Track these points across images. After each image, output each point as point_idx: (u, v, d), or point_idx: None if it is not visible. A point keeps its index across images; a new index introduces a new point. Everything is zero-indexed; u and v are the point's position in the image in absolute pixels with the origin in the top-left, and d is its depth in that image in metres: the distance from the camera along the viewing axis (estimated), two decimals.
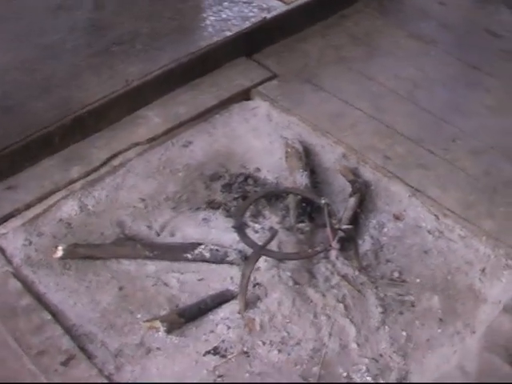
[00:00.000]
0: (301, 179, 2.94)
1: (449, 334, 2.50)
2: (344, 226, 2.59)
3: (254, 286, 2.55)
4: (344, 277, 2.61)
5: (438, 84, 3.50)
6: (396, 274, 2.68)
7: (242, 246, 2.65)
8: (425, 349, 2.45)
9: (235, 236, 2.67)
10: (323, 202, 2.64)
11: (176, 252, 2.68)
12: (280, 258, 2.53)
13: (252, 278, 2.51)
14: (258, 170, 3.07)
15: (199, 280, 2.61)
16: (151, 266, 2.64)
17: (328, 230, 2.53)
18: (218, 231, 2.77)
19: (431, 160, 3.09)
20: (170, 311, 2.48)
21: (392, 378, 2.35)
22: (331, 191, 2.99)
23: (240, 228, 2.58)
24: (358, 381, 2.34)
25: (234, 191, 2.95)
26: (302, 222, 2.74)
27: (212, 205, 2.90)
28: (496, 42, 3.82)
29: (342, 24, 3.86)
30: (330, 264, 2.64)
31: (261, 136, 3.23)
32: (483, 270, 2.70)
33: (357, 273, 2.63)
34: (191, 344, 2.40)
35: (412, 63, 3.61)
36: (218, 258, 2.64)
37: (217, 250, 2.65)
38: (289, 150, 3.09)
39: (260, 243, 2.52)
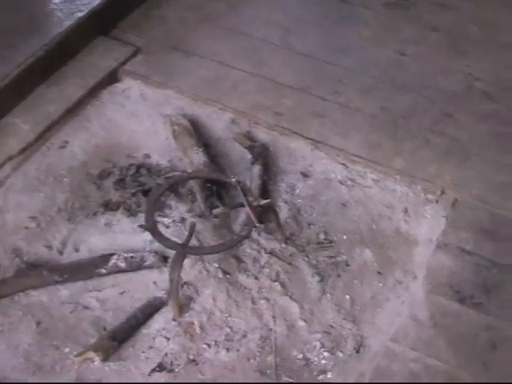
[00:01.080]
0: (197, 157, 2.73)
1: (391, 286, 2.42)
2: (263, 202, 2.43)
3: (182, 286, 2.35)
4: (272, 253, 2.46)
5: (309, 25, 3.36)
6: (322, 236, 2.56)
7: (156, 245, 2.44)
8: (372, 307, 2.36)
9: (146, 236, 2.47)
10: (234, 180, 2.46)
11: (88, 269, 2.42)
12: (207, 252, 2.35)
13: None
14: (148, 156, 2.84)
15: (121, 294, 2.37)
16: (64, 291, 2.38)
17: (247, 209, 2.37)
18: (126, 235, 2.54)
19: (324, 106, 2.96)
20: (99, 337, 2.24)
21: (349, 347, 2.25)
22: (231, 163, 2.82)
23: (153, 228, 2.37)
24: (316, 359, 2.24)
25: (129, 186, 2.71)
26: (214, 205, 2.55)
27: (110, 206, 2.65)
28: None
29: None
30: (254, 243, 2.48)
31: (140, 119, 2.97)
32: (406, 211, 2.64)
33: (283, 245, 2.49)
34: (132, 366, 2.19)
35: (278, 8, 3.45)
36: (135, 265, 2.42)
37: (131, 256, 2.42)
38: (175, 127, 2.88)
39: (179, 241, 2.34)
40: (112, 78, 3.12)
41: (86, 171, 2.77)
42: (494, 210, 2.58)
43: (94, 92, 3.03)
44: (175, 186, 2.64)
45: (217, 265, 2.40)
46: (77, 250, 2.53)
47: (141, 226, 2.44)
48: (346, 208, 2.66)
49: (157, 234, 2.34)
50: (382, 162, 2.75)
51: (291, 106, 2.96)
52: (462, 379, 2.13)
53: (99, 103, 3.03)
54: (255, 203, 2.41)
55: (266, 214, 2.53)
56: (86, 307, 2.35)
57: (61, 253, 2.52)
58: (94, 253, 2.50)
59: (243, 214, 2.48)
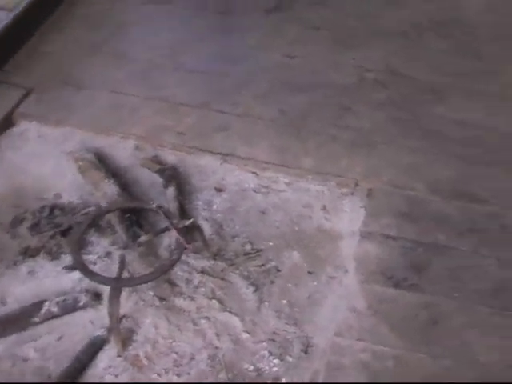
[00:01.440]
0: (109, 189, 2.70)
1: (325, 283, 2.45)
2: (187, 222, 2.42)
3: (121, 319, 2.31)
4: (203, 271, 2.45)
5: (196, 41, 3.37)
6: (248, 247, 2.57)
7: (86, 283, 2.40)
8: (311, 307, 2.39)
9: (73, 276, 2.43)
10: (154, 206, 2.45)
11: (20, 320, 2.35)
12: (142, 282, 2.31)
13: None
14: (59, 196, 2.77)
15: (59, 339, 2.31)
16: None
17: (175, 232, 2.36)
18: (51, 279, 2.47)
19: (225, 119, 2.99)
20: None
21: (296, 350, 2.27)
22: (143, 189, 2.79)
23: (83, 267, 2.32)
24: (267, 368, 2.26)
25: (45, 229, 2.64)
26: (136, 234, 2.52)
27: (29, 253, 2.57)
28: None
29: (73, 11, 3.56)
30: (184, 265, 2.46)
31: (43, 160, 2.91)
32: (324, 208, 2.69)
33: (213, 262, 2.49)
34: None
35: (161, 29, 3.45)
36: (69, 308, 2.36)
37: (63, 300, 2.36)
38: (80, 163, 2.83)
39: (110, 276, 2.30)
40: (7, 123, 3.05)
41: None
42: (407, 193, 2.68)
43: None
44: (95, 221, 2.59)
45: (152, 293, 2.37)
46: (3, 303, 2.44)
47: (67, 267, 2.40)
48: (266, 215, 2.68)
49: (87, 272, 2.29)
50: (292, 164, 2.79)
51: (193, 124, 2.97)
52: (411, 361, 2.20)
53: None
54: (180, 225, 2.40)
55: (190, 234, 2.51)
56: (25, 359, 2.27)
57: None
58: (22, 303, 2.42)
59: (168, 238, 2.47)
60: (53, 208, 2.72)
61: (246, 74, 3.17)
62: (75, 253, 2.35)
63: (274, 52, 3.30)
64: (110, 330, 2.24)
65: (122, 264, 2.28)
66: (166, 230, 2.41)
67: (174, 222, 2.40)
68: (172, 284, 2.42)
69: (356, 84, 3.14)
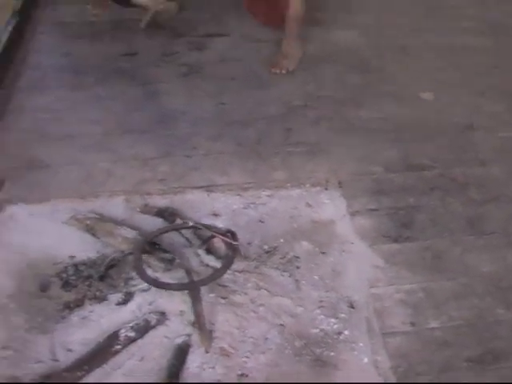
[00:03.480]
0: (127, 233, 2.96)
1: (339, 256, 2.90)
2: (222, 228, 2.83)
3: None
4: (243, 271, 2.83)
5: (130, 110, 3.76)
6: (265, 247, 2.96)
7: (146, 308, 2.68)
8: (338, 276, 2.82)
9: (129, 308, 2.68)
10: (191, 223, 2.81)
11: (102, 354, 2.57)
12: (214, 278, 2.63)
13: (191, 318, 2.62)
14: (74, 257, 2.99)
15: (141, 360, 2.54)
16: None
17: (219, 236, 2.75)
18: (108, 317, 2.70)
19: (194, 161, 3.40)
20: None
21: (344, 307, 2.70)
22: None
23: (155, 282, 2.61)
24: (329, 327, 2.66)
25: (78, 283, 2.87)
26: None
27: (73, 305, 2.79)
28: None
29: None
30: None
31: (43, 233, 3.07)
32: (309, 205, 3.16)
33: (245, 263, 2.86)
34: None
35: (96, 107, 3.81)
36: (143, 330, 2.62)
37: (136, 323, 2.62)
38: (88, 222, 3.09)
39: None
40: None
41: (23, 293, 2.84)
42: (370, 177, 3.25)
43: None
44: (144, 247, 2.82)
45: (213, 294, 2.71)
46: (70, 350, 2.63)
47: (127, 296, 2.67)
48: (264, 223, 3.08)
49: (161, 284, 2.59)
50: (267, 180, 3.25)
51: (168, 171, 3.33)
52: (435, 288, 2.75)
53: None
54: (220, 231, 2.79)
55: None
56: None
57: (56, 360, 2.62)
58: (88, 346, 2.64)
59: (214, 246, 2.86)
60: (76, 265, 2.95)
61: (192, 125, 3.60)
62: (142, 273, 2.62)
63: (206, 104, 3.78)
64: (198, 327, 2.54)
65: (188, 270, 2.61)
66: (212, 237, 2.78)
67: (214, 229, 2.78)
68: (223, 286, 2.77)
69: (287, 111, 3.71)
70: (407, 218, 3.03)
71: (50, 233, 3.13)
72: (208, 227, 2.79)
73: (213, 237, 2.78)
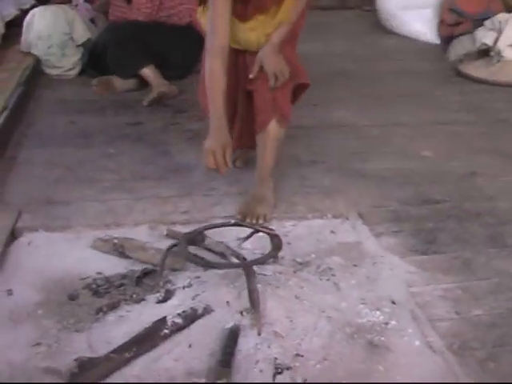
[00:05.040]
0: (160, 244, 3.02)
1: (372, 266, 2.96)
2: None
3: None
4: (281, 273, 2.83)
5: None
6: (299, 259, 3.00)
7: (190, 303, 2.64)
8: (375, 281, 2.87)
9: (170, 304, 2.65)
10: (232, 221, 2.87)
11: (150, 338, 2.49)
12: (263, 261, 2.68)
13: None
14: (101, 273, 2.96)
15: (189, 347, 2.47)
16: (135, 368, 2.40)
17: (263, 230, 2.83)
18: (148, 315, 2.63)
19: (215, 198, 3.46)
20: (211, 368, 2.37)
21: (387, 303, 2.73)
22: None
23: (207, 262, 2.64)
24: (375, 318, 2.67)
25: (111, 290, 2.80)
26: None
27: (108, 308, 2.70)
28: None
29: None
30: (263, 270, 2.81)
31: (64, 256, 3.04)
32: (333, 232, 3.23)
33: (282, 267, 2.89)
34: None
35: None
36: (190, 318, 2.57)
37: (183, 311, 2.58)
38: (115, 240, 3.07)
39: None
40: (12, 238, 3.15)
41: (51, 301, 2.77)
42: (386, 209, 3.40)
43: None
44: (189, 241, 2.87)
45: (259, 285, 2.70)
46: (109, 343, 2.53)
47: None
48: (292, 244, 3.12)
49: (216, 264, 2.61)
50: (289, 212, 3.35)
51: (190, 205, 3.38)
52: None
53: (14, 257, 3.05)
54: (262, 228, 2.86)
55: None
56: (167, 369, 2.41)
57: (94, 351, 2.52)
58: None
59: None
60: (106, 277, 2.90)
61: (207, 173, 3.62)
62: (193, 256, 2.63)
63: None
64: (252, 304, 2.52)
65: (239, 254, 2.63)
66: (255, 232, 2.82)
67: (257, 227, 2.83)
68: (267, 282, 2.77)
69: (297, 164, 3.86)
70: (430, 237, 3.15)
71: (74, 255, 3.09)
72: (250, 225, 2.85)
73: (256, 232, 2.83)
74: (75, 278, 2.91)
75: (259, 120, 3.34)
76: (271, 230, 2.84)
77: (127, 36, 4.91)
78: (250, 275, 2.55)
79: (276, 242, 2.74)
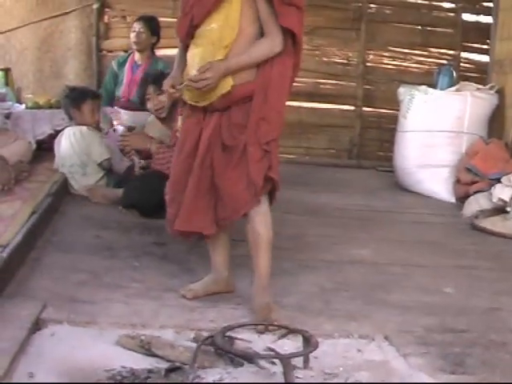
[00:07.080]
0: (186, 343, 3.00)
1: None
2: None
3: None
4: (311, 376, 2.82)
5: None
6: (327, 371, 2.98)
7: None
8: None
9: None
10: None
11: None
12: (302, 354, 2.64)
13: None
14: (125, 367, 2.88)
15: None
16: None
17: (294, 330, 2.91)
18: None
19: (241, 312, 3.47)
20: None
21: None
22: None
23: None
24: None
25: (136, 381, 2.76)
26: None
27: None
28: None
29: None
30: None
31: (88, 349, 3.02)
32: (359, 351, 3.19)
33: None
34: None
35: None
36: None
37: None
38: (143, 337, 3.04)
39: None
40: (35, 328, 3.14)
41: None
42: (411, 333, 3.37)
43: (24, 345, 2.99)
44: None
45: None
46: None
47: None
48: (318, 358, 3.03)
49: (255, 355, 2.58)
50: (315, 329, 3.29)
51: (217, 315, 3.40)
52: None
53: (37, 344, 3.03)
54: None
55: None
56: None
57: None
58: None
59: None
60: (131, 370, 2.86)
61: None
62: (229, 347, 2.60)
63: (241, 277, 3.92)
64: None
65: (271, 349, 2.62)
66: (288, 333, 2.82)
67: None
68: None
69: (320, 290, 3.87)
70: (458, 359, 3.11)
71: (98, 349, 3.08)
72: (281, 326, 2.85)
73: (289, 333, 2.82)
74: (99, 369, 2.88)
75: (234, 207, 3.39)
76: (305, 330, 2.84)
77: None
78: (287, 368, 2.53)
79: (312, 341, 2.73)
